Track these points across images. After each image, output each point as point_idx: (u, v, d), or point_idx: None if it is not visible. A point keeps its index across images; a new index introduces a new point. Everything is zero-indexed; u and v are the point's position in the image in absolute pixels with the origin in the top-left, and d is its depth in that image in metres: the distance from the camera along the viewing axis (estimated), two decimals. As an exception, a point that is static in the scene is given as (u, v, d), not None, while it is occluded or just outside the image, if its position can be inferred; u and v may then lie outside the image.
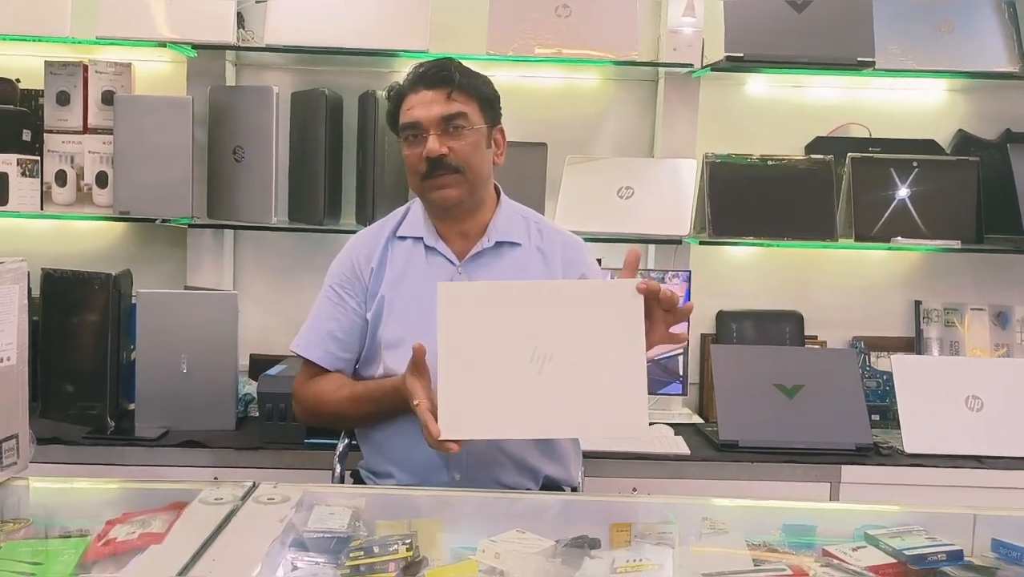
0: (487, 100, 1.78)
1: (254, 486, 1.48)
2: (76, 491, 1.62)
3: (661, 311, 1.48)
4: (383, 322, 1.78)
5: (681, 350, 2.56)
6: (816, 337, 2.84)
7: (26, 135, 2.58)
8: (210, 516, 1.35)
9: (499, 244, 1.81)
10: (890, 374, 2.69)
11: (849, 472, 2.30)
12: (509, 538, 1.37)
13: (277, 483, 1.49)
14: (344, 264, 1.84)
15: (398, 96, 1.79)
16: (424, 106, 1.73)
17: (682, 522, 1.52)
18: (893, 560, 1.41)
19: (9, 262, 1.49)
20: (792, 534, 1.53)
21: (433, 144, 1.71)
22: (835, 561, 1.40)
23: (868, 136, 2.81)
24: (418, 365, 1.59)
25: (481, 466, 1.72)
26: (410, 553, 1.30)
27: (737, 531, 1.51)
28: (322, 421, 1.95)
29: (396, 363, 1.72)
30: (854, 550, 1.45)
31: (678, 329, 1.54)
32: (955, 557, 1.41)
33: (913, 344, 2.85)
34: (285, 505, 1.41)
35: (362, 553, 1.29)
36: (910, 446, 2.36)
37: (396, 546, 1.30)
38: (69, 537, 1.39)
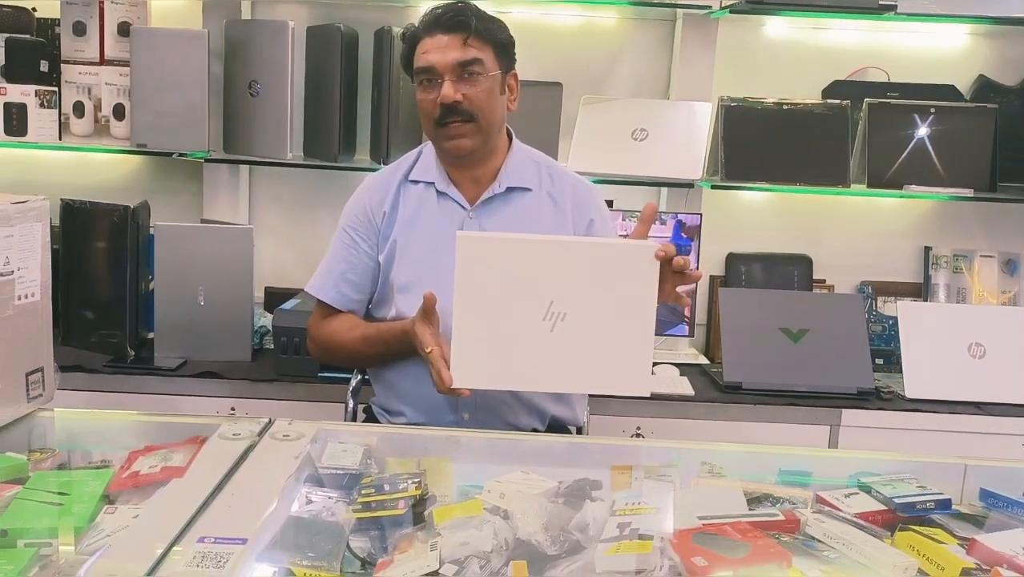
0: (503, 46, 1.78)
1: (270, 422, 1.53)
2: (101, 421, 1.68)
3: (671, 273, 1.51)
4: (395, 265, 1.82)
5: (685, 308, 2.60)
6: (824, 281, 2.86)
7: (43, 65, 2.59)
8: (228, 451, 1.41)
9: (510, 189, 1.83)
10: (896, 319, 2.72)
11: (849, 416, 2.36)
12: (514, 479, 1.42)
13: (292, 420, 1.54)
14: (357, 207, 1.87)
15: (413, 39, 1.78)
16: (439, 51, 1.73)
17: (683, 465, 1.57)
18: (883, 507, 1.45)
19: (32, 200, 1.52)
20: (788, 479, 1.58)
21: (448, 90, 1.71)
22: (827, 507, 1.45)
23: (887, 80, 2.78)
24: (427, 312, 1.63)
25: (489, 406, 1.77)
26: (419, 491, 1.35)
27: (734, 475, 1.56)
28: (334, 360, 2.01)
29: (407, 305, 1.76)
30: (846, 496, 1.50)
31: (684, 288, 1.57)
32: (943, 505, 1.46)
33: (921, 290, 2.87)
34: (300, 442, 1.46)
35: (373, 490, 1.35)
36: (911, 391, 2.40)
37: (405, 484, 1.36)
38: (94, 468, 1.46)
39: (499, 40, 1.77)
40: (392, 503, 1.34)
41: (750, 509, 1.45)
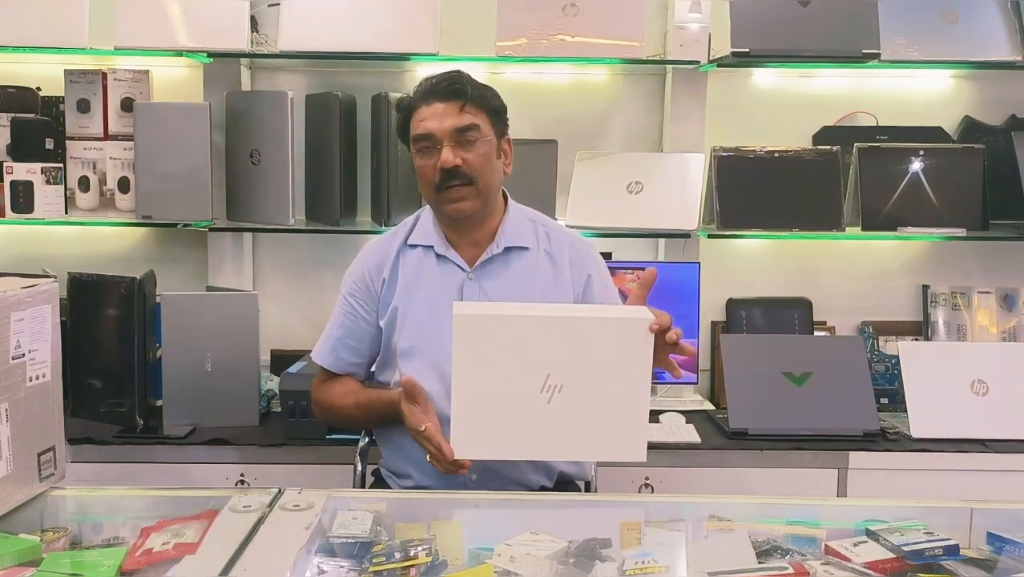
0: (496, 112, 1.82)
1: (279, 492, 1.55)
2: (112, 498, 1.69)
3: (664, 343, 1.54)
4: (396, 331, 1.85)
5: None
6: (825, 323, 2.88)
7: (49, 143, 2.64)
8: (239, 524, 1.42)
9: (508, 249, 1.86)
10: (898, 358, 2.73)
11: (857, 458, 2.36)
12: (523, 541, 1.43)
13: (302, 489, 1.56)
14: (356, 274, 1.91)
15: (408, 108, 1.83)
16: (437, 118, 1.77)
17: (689, 519, 1.58)
18: (892, 555, 1.46)
19: (42, 283, 1.56)
20: (796, 530, 1.59)
21: (447, 155, 1.75)
22: (836, 558, 1.46)
23: (875, 124, 2.83)
24: (411, 394, 1.68)
25: (496, 466, 1.78)
26: (429, 558, 1.37)
27: (742, 529, 1.57)
28: (334, 422, 2.07)
29: (410, 370, 1.79)
30: (855, 545, 1.51)
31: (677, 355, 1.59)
32: (951, 552, 1.47)
33: (921, 328, 2.89)
34: (310, 512, 1.48)
35: (384, 559, 1.36)
36: (917, 431, 2.40)
37: (416, 551, 1.37)
38: (107, 545, 1.48)
39: (493, 106, 1.82)
40: (404, 571, 1.35)
41: (759, 561, 1.47)
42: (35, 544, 1.41)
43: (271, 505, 1.51)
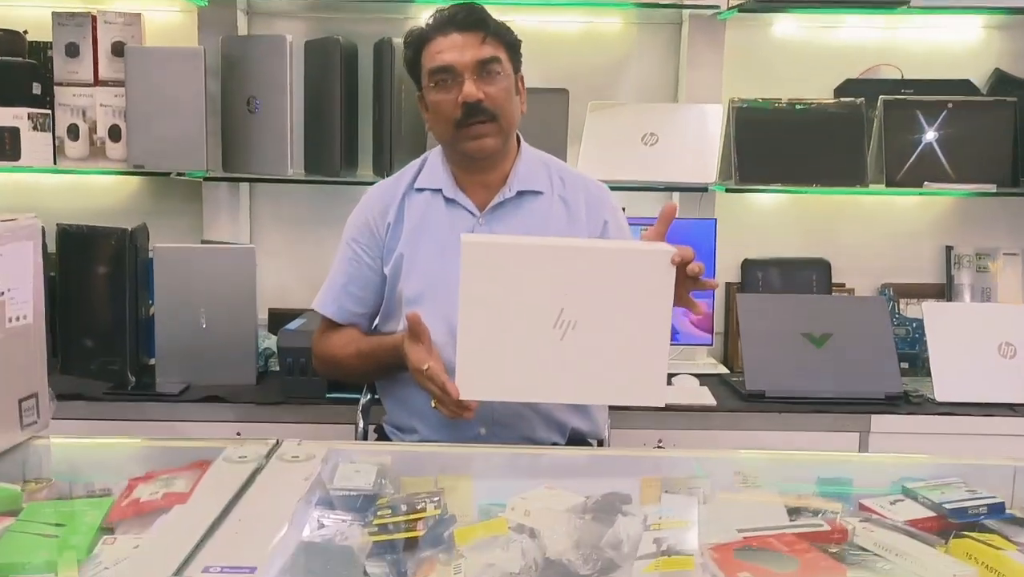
0: (514, 47, 1.73)
1: (277, 444, 1.45)
2: (99, 448, 1.60)
3: (685, 277, 1.44)
4: (402, 277, 1.75)
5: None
6: (843, 285, 2.78)
7: (36, 88, 2.53)
8: (234, 475, 1.33)
9: (521, 194, 1.76)
10: (920, 321, 2.64)
11: (879, 422, 2.27)
12: (538, 495, 1.34)
13: (301, 440, 1.46)
14: (359, 219, 1.81)
15: (421, 40, 1.71)
16: (457, 50, 1.66)
17: (713, 476, 1.48)
18: (932, 513, 1.37)
19: (22, 219, 1.46)
20: (827, 488, 1.49)
21: (470, 88, 1.64)
22: (874, 515, 1.36)
23: (900, 78, 2.72)
24: (414, 332, 1.57)
25: (506, 421, 1.69)
26: (438, 511, 1.27)
27: (769, 485, 1.48)
28: (336, 375, 1.96)
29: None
30: (892, 503, 1.42)
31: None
32: (997, 510, 1.37)
33: (944, 291, 2.79)
34: (310, 463, 1.38)
35: (390, 511, 1.26)
36: (941, 395, 2.32)
37: (424, 504, 1.27)
38: (92, 497, 1.38)
39: (511, 41, 1.73)
40: (410, 524, 1.25)
41: (791, 519, 1.37)
42: (14, 493, 1.32)
43: (268, 456, 1.41)
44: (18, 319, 1.43)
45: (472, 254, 1.41)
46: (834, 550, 1.25)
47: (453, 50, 1.66)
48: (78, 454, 1.55)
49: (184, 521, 1.19)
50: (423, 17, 2.53)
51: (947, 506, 1.37)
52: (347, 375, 1.91)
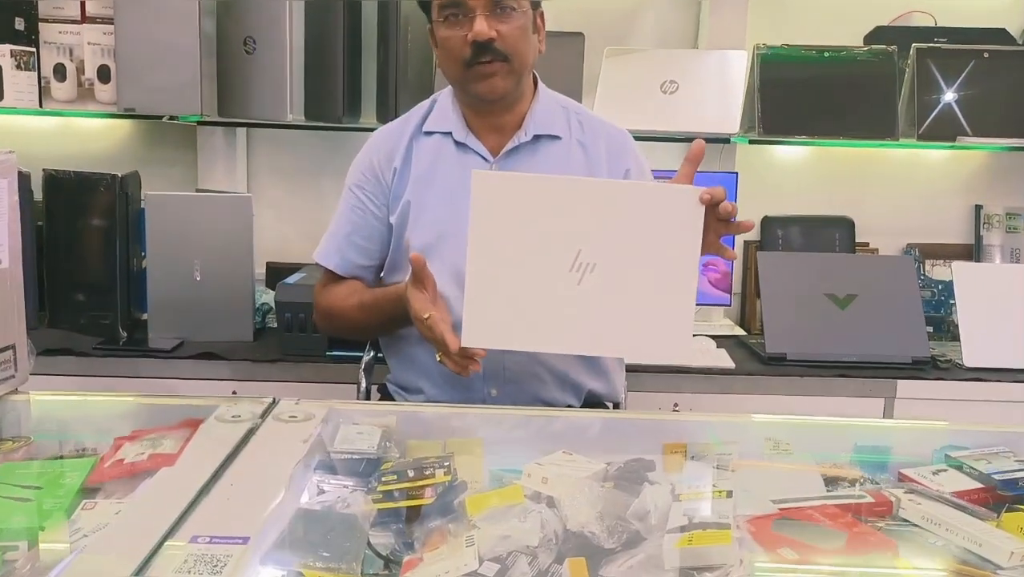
0: None
1: (274, 402, 1.35)
2: (84, 405, 1.49)
3: (715, 220, 1.32)
4: (410, 226, 1.63)
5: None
6: (867, 244, 2.67)
7: (19, 23, 2.39)
8: (227, 435, 1.22)
9: (537, 138, 1.64)
10: (946, 283, 2.54)
11: (905, 387, 2.17)
12: (556, 460, 1.23)
13: (299, 399, 1.36)
14: (363, 164, 1.68)
15: None
16: None
17: (740, 442, 1.38)
18: (980, 485, 1.27)
19: (-5, 154, 1.34)
20: (863, 455, 1.39)
21: (481, 25, 1.51)
22: (918, 486, 1.26)
23: (933, 25, 2.58)
24: (418, 277, 1.46)
25: (519, 381, 1.59)
26: (448, 477, 1.17)
27: (802, 452, 1.38)
28: (338, 331, 1.85)
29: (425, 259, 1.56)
30: (935, 473, 1.32)
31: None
32: (1050, 482, 1.27)
33: (972, 251, 2.68)
34: (309, 423, 1.28)
35: (395, 477, 1.16)
36: (970, 359, 2.22)
37: (432, 469, 1.17)
38: (74, 457, 1.28)
39: None
40: (418, 491, 1.15)
41: (828, 489, 1.27)
42: (-13, 453, 1.22)
43: (264, 416, 1.30)
44: (-7, 265, 1.32)
45: (483, 188, 1.30)
46: (879, 524, 1.15)
47: None
48: (60, 411, 1.45)
49: (171, 485, 1.09)
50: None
51: (997, 477, 1.27)
52: (349, 330, 1.80)
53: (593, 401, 1.69)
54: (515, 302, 1.30)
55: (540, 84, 1.69)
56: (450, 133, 1.64)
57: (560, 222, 1.28)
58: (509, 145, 1.63)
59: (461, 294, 1.37)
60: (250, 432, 1.24)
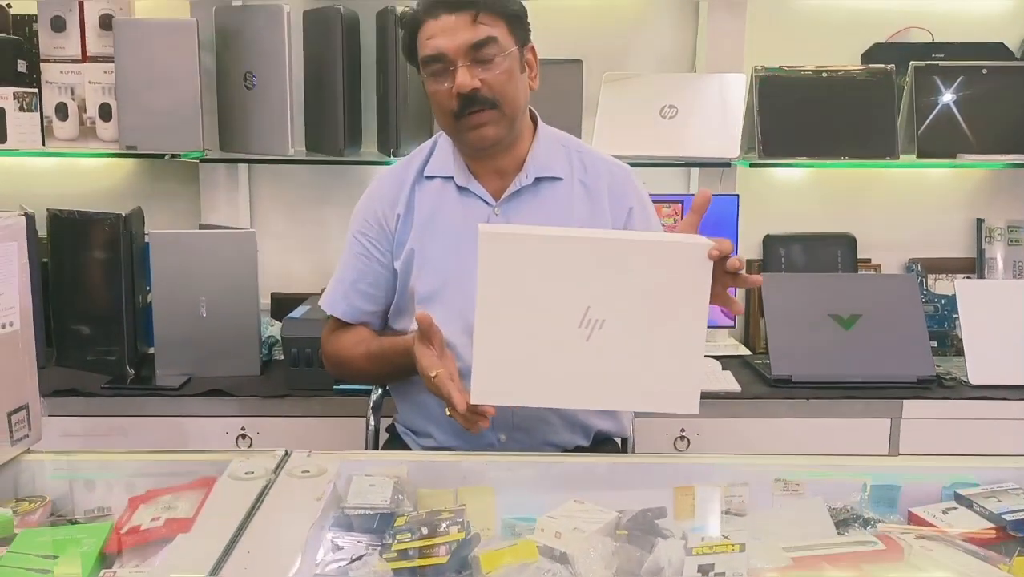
0: (515, 18, 1.56)
1: (286, 455, 1.36)
2: (96, 462, 1.50)
3: (723, 272, 1.32)
4: (414, 274, 1.63)
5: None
6: (870, 260, 2.67)
7: (21, 66, 2.40)
8: (240, 495, 1.23)
9: (539, 180, 1.64)
10: (949, 298, 2.55)
11: (911, 407, 2.18)
12: (568, 512, 1.24)
13: (311, 451, 1.37)
14: (367, 211, 1.68)
15: (413, 23, 1.56)
16: (447, 34, 1.51)
17: (750, 483, 1.39)
18: (990, 525, 1.28)
19: (4, 217, 1.34)
20: (873, 492, 1.40)
21: (463, 78, 1.51)
22: (927, 528, 1.27)
23: (931, 41, 2.58)
24: (425, 334, 1.45)
25: (528, 427, 1.60)
26: (462, 534, 1.18)
27: (813, 491, 1.38)
28: (346, 377, 1.86)
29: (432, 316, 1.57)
30: (944, 512, 1.33)
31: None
32: (1061, 521, 1.28)
33: (974, 265, 2.68)
34: (321, 479, 1.29)
35: (409, 535, 1.17)
36: (975, 377, 2.22)
37: (446, 527, 1.18)
38: (90, 520, 1.29)
39: (511, 12, 1.56)
40: (432, 550, 1.16)
41: (839, 532, 1.28)
42: (6, 518, 1.23)
43: (276, 470, 1.31)
44: (4, 326, 1.33)
45: (490, 246, 1.30)
46: (892, 575, 1.15)
47: (444, 34, 1.51)
48: (74, 469, 1.45)
49: (189, 553, 1.10)
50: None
51: (1007, 517, 1.28)
52: (357, 377, 1.81)
53: (602, 438, 1.70)
54: (524, 359, 1.31)
55: (540, 123, 1.69)
56: (451, 177, 1.65)
57: (568, 279, 1.28)
58: (510, 189, 1.63)
59: (469, 341, 1.37)
60: (264, 489, 1.25)
